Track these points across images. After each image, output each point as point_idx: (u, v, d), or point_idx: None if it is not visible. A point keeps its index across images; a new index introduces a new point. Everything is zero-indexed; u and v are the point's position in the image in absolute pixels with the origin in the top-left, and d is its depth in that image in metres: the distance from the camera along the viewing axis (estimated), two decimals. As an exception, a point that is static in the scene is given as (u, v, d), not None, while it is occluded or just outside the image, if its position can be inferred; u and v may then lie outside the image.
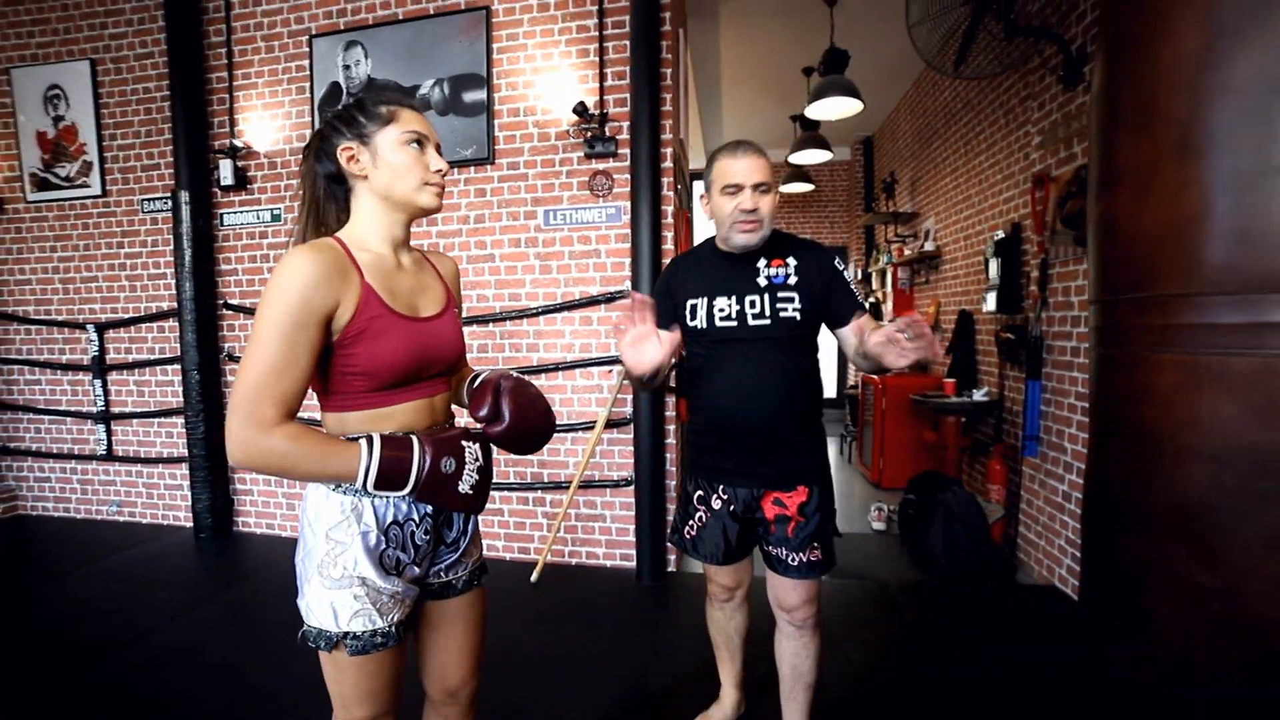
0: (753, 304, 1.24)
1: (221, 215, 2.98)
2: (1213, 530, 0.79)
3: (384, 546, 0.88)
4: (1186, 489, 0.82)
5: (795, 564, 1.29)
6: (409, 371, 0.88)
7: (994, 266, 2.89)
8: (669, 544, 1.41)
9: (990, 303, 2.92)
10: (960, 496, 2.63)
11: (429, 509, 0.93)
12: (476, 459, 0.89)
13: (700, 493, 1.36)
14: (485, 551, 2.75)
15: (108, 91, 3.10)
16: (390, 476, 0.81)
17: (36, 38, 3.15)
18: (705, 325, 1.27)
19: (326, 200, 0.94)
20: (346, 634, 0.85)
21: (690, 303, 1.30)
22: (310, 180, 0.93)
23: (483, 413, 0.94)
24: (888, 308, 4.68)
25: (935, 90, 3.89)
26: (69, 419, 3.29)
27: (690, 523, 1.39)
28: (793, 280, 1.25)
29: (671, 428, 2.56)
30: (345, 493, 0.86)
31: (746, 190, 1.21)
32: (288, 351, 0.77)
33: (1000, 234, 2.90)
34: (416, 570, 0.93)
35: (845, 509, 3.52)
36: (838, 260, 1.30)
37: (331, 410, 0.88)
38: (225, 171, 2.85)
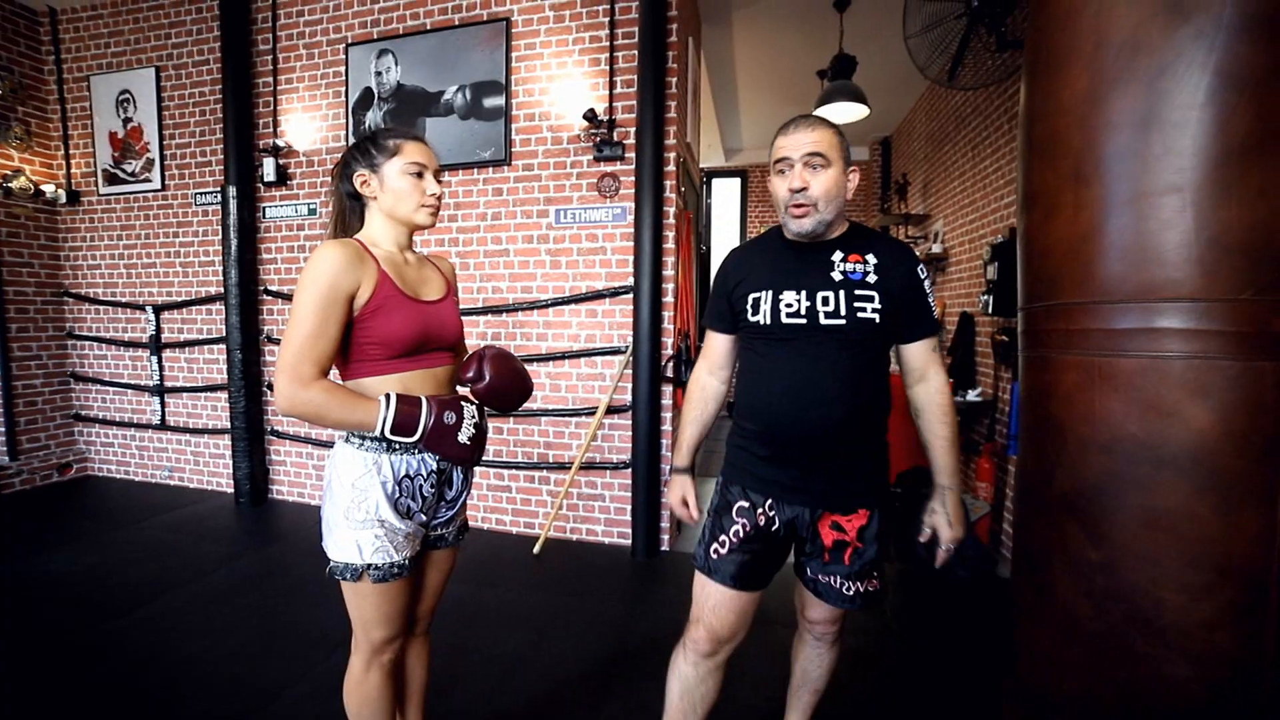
0: (825, 300, 1.09)
1: (264, 208, 3.26)
2: (1100, 512, 0.89)
3: (398, 495, 1.08)
4: (1082, 476, 0.91)
5: (850, 593, 1.16)
6: (415, 342, 1.08)
7: (992, 270, 2.95)
8: (693, 561, 1.23)
9: (988, 305, 2.99)
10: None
11: (434, 467, 1.12)
12: (473, 417, 1.08)
13: (744, 504, 1.16)
14: (494, 525, 2.96)
15: (169, 95, 3.41)
16: (403, 425, 1.00)
17: (112, 48, 3.48)
18: (769, 321, 1.12)
19: (350, 211, 1.16)
20: (369, 565, 1.05)
21: (752, 296, 1.15)
22: (337, 195, 1.16)
23: (469, 374, 1.13)
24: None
25: (947, 95, 3.92)
26: (130, 391, 3.64)
27: (723, 538, 1.16)
28: (872, 279, 1.10)
29: (668, 415, 2.72)
30: (368, 450, 1.06)
31: (796, 166, 1.06)
32: (321, 322, 0.98)
33: (999, 238, 2.96)
34: (423, 518, 1.14)
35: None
36: (922, 268, 1.14)
37: (351, 377, 1.08)
38: (268, 168, 3.12)
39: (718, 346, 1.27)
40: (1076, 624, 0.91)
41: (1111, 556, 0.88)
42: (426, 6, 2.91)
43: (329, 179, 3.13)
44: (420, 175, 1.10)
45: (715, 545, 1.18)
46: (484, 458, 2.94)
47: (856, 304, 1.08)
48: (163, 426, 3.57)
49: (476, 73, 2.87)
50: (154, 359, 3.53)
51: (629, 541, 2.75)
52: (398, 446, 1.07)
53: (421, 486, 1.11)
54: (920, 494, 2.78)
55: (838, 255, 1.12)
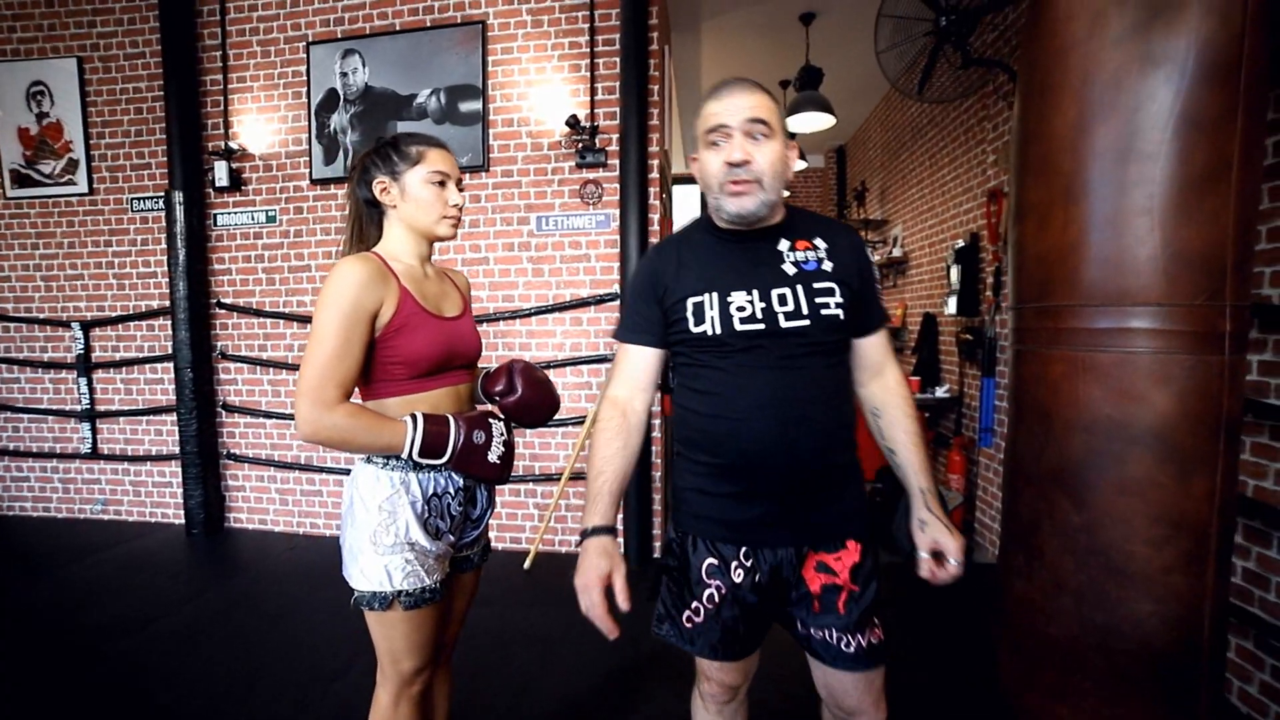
0: (783, 299, 0.91)
1: (215, 216, 3.02)
2: (1083, 483, 1.04)
3: (428, 515, 1.02)
4: (1067, 453, 1.06)
5: (853, 650, 0.93)
6: (440, 361, 1.03)
7: (955, 273, 3.13)
8: (656, 630, 1.05)
9: (951, 306, 3.16)
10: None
11: (461, 484, 1.07)
12: (502, 434, 1.04)
13: (712, 561, 0.96)
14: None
15: (95, 90, 3.11)
16: (432, 447, 0.96)
17: (18, 33, 3.14)
18: (719, 330, 0.91)
19: (367, 220, 1.10)
20: (400, 592, 0.99)
21: (692, 301, 0.93)
22: (354, 202, 1.09)
23: (499, 387, 1.10)
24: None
25: (904, 106, 4.14)
26: (50, 417, 3.27)
27: (695, 605, 0.97)
28: (828, 266, 0.93)
29: (657, 422, 2.72)
30: (394, 470, 1.00)
31: (735, 135, 0.88)
32: (344, 343, 0.93)
33: (960, 243, 3.14)
34: (452, 538, 1.09)
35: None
36: (868, 251, 1.01)
37: (372, 398, 1.02)
38: (220, 173, 2.90)
39: (640, 363, 1.00)
40: (1062, 578, 1.06)
41: (1092, 519, 1.03)
42: (395, 6, 2.80)
43: (289, 185, 2.95)
44: (443, 184, 1.06)
45: (687, 614, 0.98)
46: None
47: (818, 299, 0.91)
48: (94, 455, 3.23)
49: (451, 76, 2.78)
50: (82, 380, 3.19)
51: (621, 551, 2.71)
52: (425, 464, 1.02)
53: (450, 505, 1.06)
54: (898, 488, 2.91)
55: (784, 244, 0.95)
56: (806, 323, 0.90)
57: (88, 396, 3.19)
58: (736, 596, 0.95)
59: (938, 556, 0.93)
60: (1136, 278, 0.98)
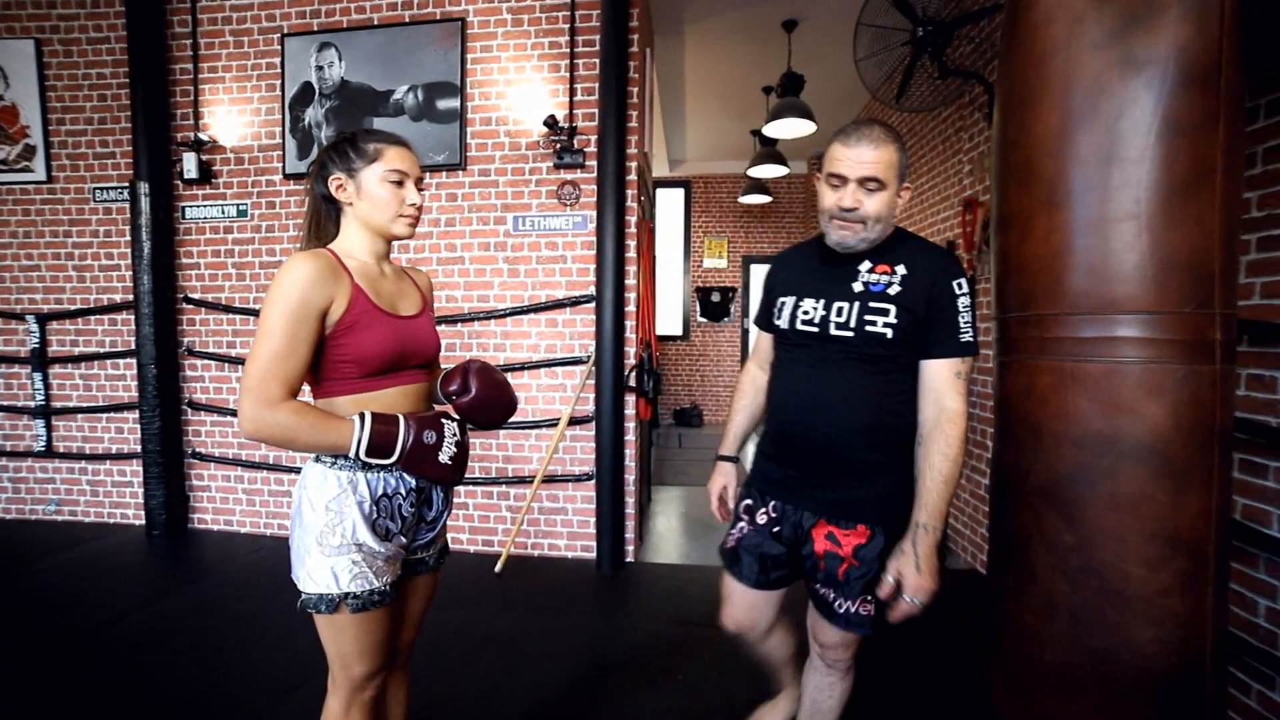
0: (840, 311, 1.08)
1: (184, 208, 2.94)
2: (1074, 499, 1.00)
3: (376, 516, 1.00)
4: (1057, 467, 1.02)
5: (842, 611, 1.11)
6: (392, 360, 1.01)
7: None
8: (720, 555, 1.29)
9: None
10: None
11: (414, 485, 1.05)
12: (454, 434, 1.02)
13: (749, 501, 1.23)
14: (450, 544, 2.83)
15: (55, 74, 3.01)
16: (380, 446, 0.93)
17: (-27, 14, 3.02)
18: (786, 326, 1.15)
19: (325, 215, 1.07)
20: (347, 594, 0.97)
21: (780, 300, 1.18)
22: (312, 198, 1.07)
23: (453, 388, 1.08)
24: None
25: (884, 115, 4.19)
26: (0, 414, 3.14)
27: (733, 532, 1.25)
28: (894, 291, 1.06)
29: (631, 425, 2.71)
30: (342, 469, 0.98)
31: (850, 185, 1.04)
32: (290, 340, 0.90)
33: (935, 252, 3.18)
34: (403, 540, 1.06)
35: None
36: (961, 283, 1.06)
37: (322, 396, 1.00)
38: (189, 164, 2.82)
39: (765, 343, 1.32)
40: (1055, 601, 1.01)
41: (1084, 538, 0.99)
42: (373, 0, 2.75)
43: (261, 179, 2.88)
44: (400, 184, 1.04)
45: (728, 539, 1.27)
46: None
47: (867, 316, 1.05)
48: (48, 454, 3.11)
49: (429, 73, 2.74)
50: (37, 375, 3.08)
51: (594, 555, 2.70)
52: (374, 464, 1.00)
53: (401, 506, 1.04)
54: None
55: (865, 265, 1.10)
56: (851, 334, 1.07)
57: (43, 392, 3.08)
58: (760, 534, 1.19)
59: (899, 587, 1.05)
60: (1124, 285, 0.95)
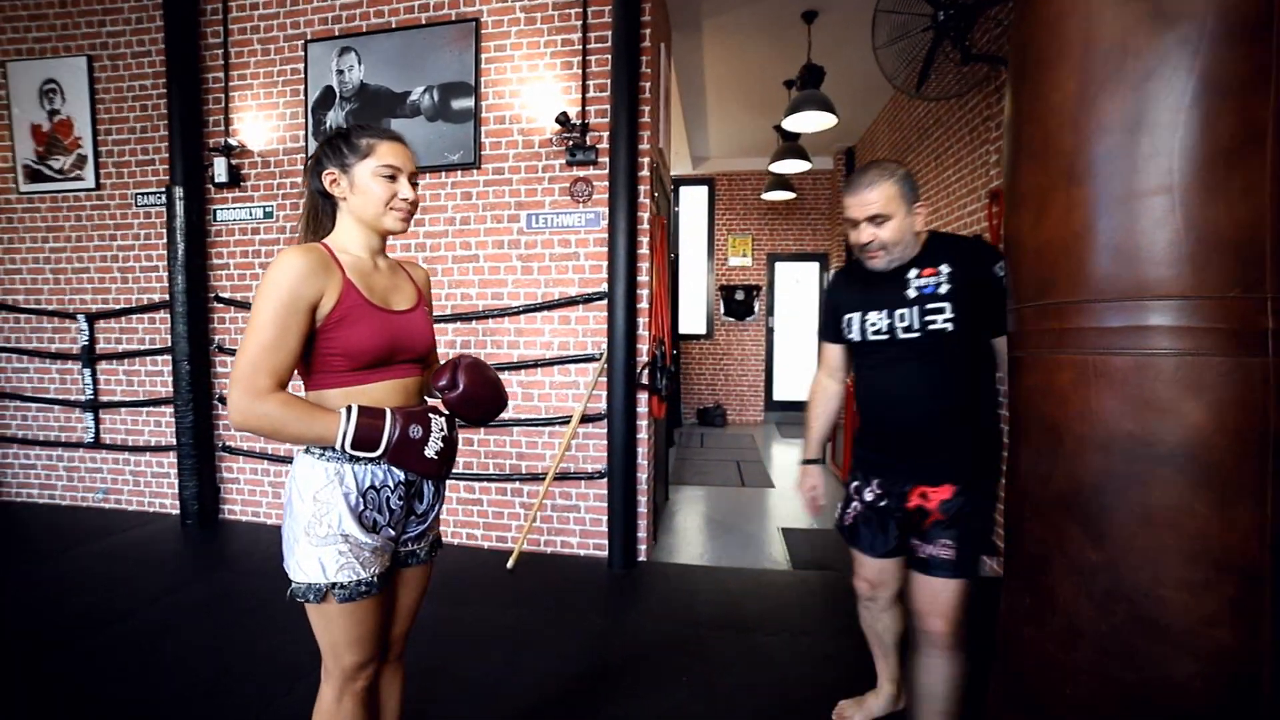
0: (903, 317, 1.27)
1: (215, 211, 3.07)
2: (1100, 511, 0.88)
3: (363, 508, 1.00)
4: (1080, 475, 0.90)
5: (924, 556, 1.29)
6: (382, 354, 1.02)
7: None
8: (838, 531, 1.49)
9: (953, 311, 3.07)
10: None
11: (402, 478, 1.05)
12: (442, 429, 1.01)
13: (856, 483, 1.43)
14: (465, 540, 2.86)
15: (104, 87, 3.18)
16: (364, 439, 0.94)
17: (33, 32, 3.23)
18: (860, 338, 1.35)
19: (322, 210, 1.09)
20: (334, 584, 0.97)
21: (846, 316, 1.38)
22: (309, 193, 1.09)
23: (441, 382, 1.07)
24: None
25: (910, 106, 4.05)
26: (57, 407, 3.35)
27: (848, 512, 1.44)
28: (944, 289, 1.24)
29: (644, 423, 2.68)
30: (329, 460, 0.99)
31: (862, 225, 1.26)
32: (280, 333, 0.92)
33: (963, 245, 3.05)
34: (391, 532, 1.06)
35: (815, 507, 3.65)
36: (1001, 265, 1.21)
37: (313, 389, 1.01)
38: (219, 169, 2.94)
39: (831, 354, 1.50)
40: (1079, 627, 0.89)
41: (1112, 556, 0.87)
42: (391, 4, 2.81)
43: (286, 181, 2.98)
44: (393, 178, 1.04)
45: (844, 517, 1.46)
46: (455, 470, 2.84)
47: (928, 317, 1.24)
48: (96, 445, 3.30)
49: (445, 74, 2.78)
50: (86, 371, 3.26)
51: (605, 553, 2.68)
52: (360, 457, 1.00)
53: (389, 499, 1.04)
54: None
55: (913, 273, 1.28)
56: (918, 335, 1.26)
57: (91, 387, 3.26)
58: (871, 510, 1.39)
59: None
60: (1155, 267, 0.82)
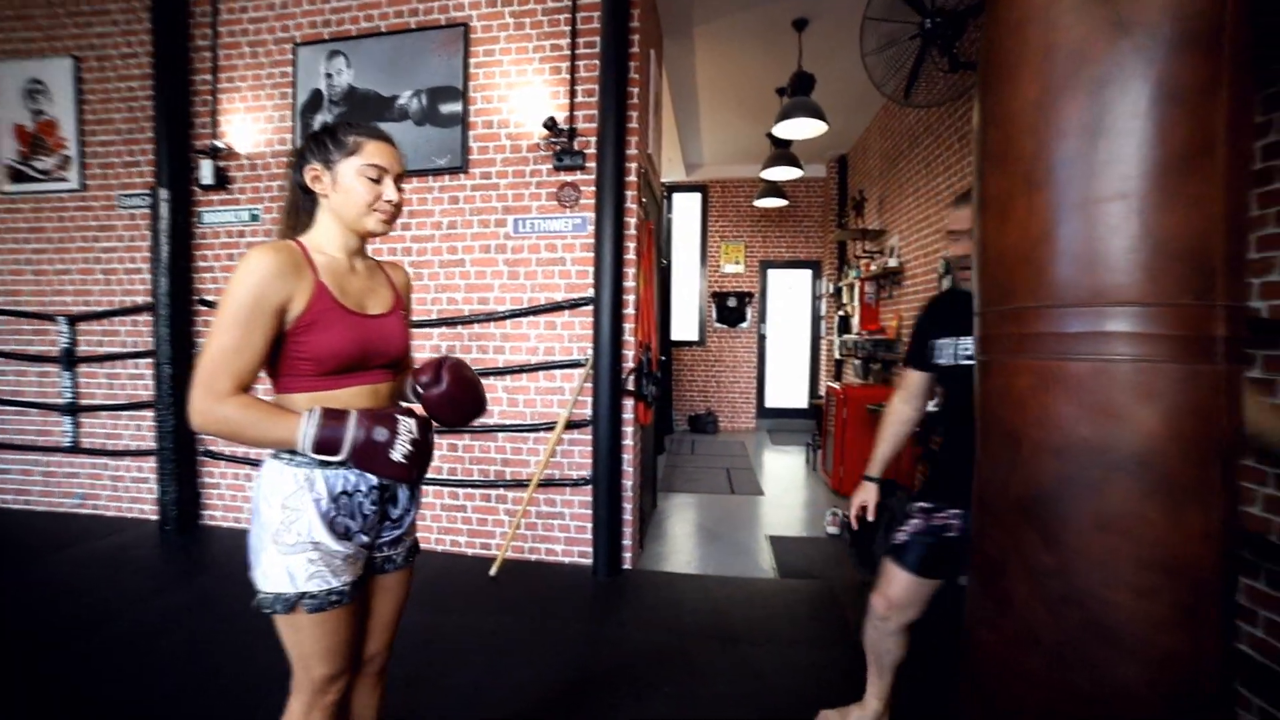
0: None
1: (200, 213, 3.04)
2: (1055, 517, 0.89)
3: (334, 514, 0.97)
4: (1037, 480, 0.91)
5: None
6: (353, 359, 0.99)
7: (946, 284, 3.04)
8: (879, 550, 1.51)
9: (942, 318, 3.06)
10: (903, 501, 2.74)
11: (375, 482, 1.03)
12: (410, 432, 0.96)
13: (927, 505, 1.42)
14: (448, 547, 2.82)
15: (90, 88, 3.16)
16: (326, 441, 0.91)
17: (19, 32, 3.21)
18: (950, 363, 1.38)
19: (303, 205, 1.05)
20: (303, 594, 0.94)
21: (935, 343, 1.41)
22: (290, 186, 1.05)
23: (424, 379, 1.05)
24: (855, 320, 4.84)
25: (902, 114, 4.07)
26: (34, 410, 3.29)
27: (904, 529, 1.44)
28: None
29: (630, 429, 2.66)
30: (299, 465, 0.96)
31: (962, 239, 1.34)
32: (244, 335, 0.89)
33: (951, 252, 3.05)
34: (365, 538, 1.03)
35: (806, 515, 3.63)
36: None
37: (280, 391, 0.98)
38: (206, 171, 2.92)
39: (912, 381, 1.52)
40: (1034, 631, 0.90)
41: (1066, 561, 0.87)
42: (381, 9, 2.80)
43: (273, 184, 2.96)
44: (378, 179, 1.01)
45: (900, 530, 1.45)
46: (438, 476, 2.81)
47: None
48: (75, 449, 3.24)
49: (433, 78, 2.78)
50: (66, 374, 3.21)
51: (590, 560, 2.65)
52: (333, 460, 0.98)
53: (361, 504, 1.01)
54: (882, 504, 2.80)
55: None
56: None
57: (70, 390, 3.21)
58: (933, 534, 1.39)
59: None
60: (1112, 273, 0.84)
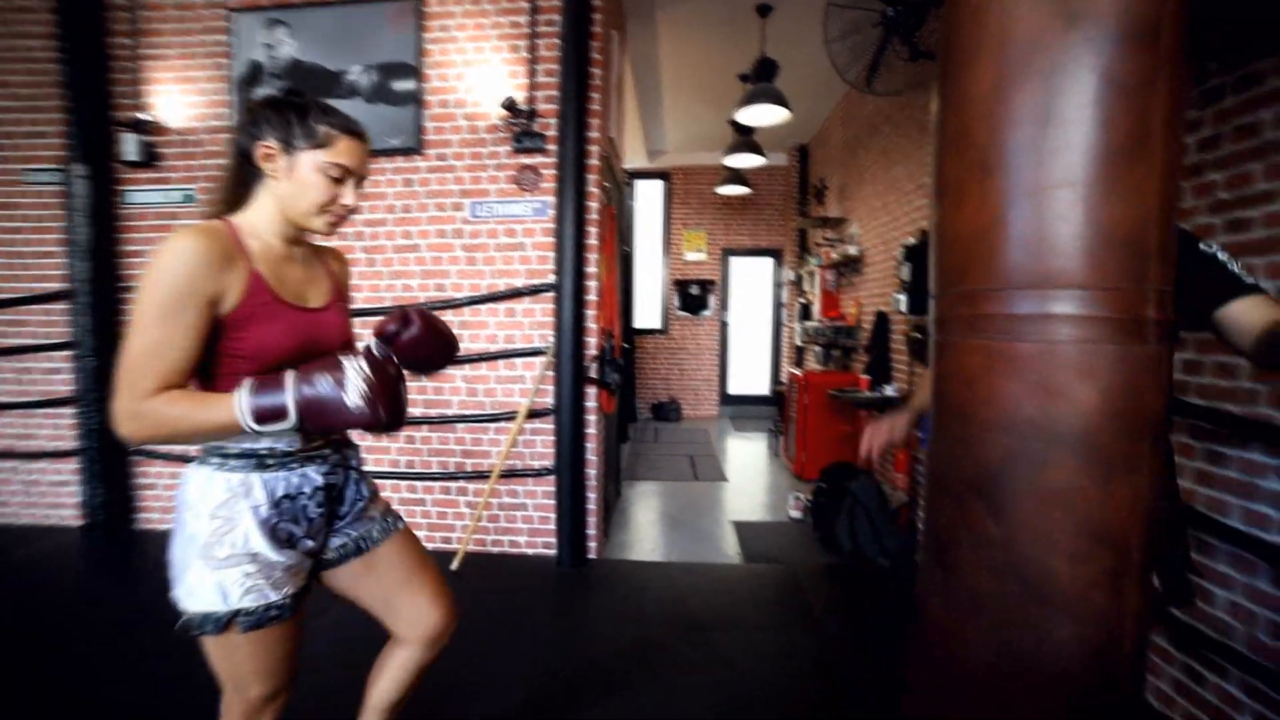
0: None
1: (125, 193, 2.80)
2: (1002, 490, 0.94)
3: (276, 520, 0.90)
4: (985, 457, 0.96)
5: None
6: (293, 356, 0.89)
7: (905, 270, 3.11)
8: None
9: (902, 304, 3.14)
10: (865, 485, 2.80)
11: (320, 482, 0.95)
12: (361, 370, 0.83)
13: None
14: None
15: (-11, 49, 2.85)
16: (267, 409, 0.80)
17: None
18: None
19: (242, 179, 0.93)
20: (238, 612, 0.86)
21: None
22: (234, 155, 0.93)
23: (392, 326, 0.93)
24: (816, 307, 4.92)
25: (862, 103, 4.12)
26: (-60, 409, 2.99)
27: None
28: None
29: (592, 418, 2.62)
30: (232, 470, 0.88)
31: None
32: (168, 332, 0.79)
33: (911, 239, 3.12)
34: (310, 544, 0.95)
35: (769, 500, 3.68)
36: (1206, 243, 1.14)
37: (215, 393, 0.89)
38: (130, 146, 2.68)
39: None
40: (980, 599, 0.96)
41: (1011, 532, 0.93)
42: (322, -27, 2.62)
43: (210, 162, 2.76)
44: (340, 180, 0.91)
45: None
46: (395, 470, 2.70)
47: None
48: (-14, 450, 2.97)
49: (384, 53, 2.63)
50: (-25, 369, 2.92)
51: (555, 551, 2.61)
52: (271, 462, 0.90)
53: (305, 506, 0.93)
54: (843, 488, 2.86)
55: None
56: None
57: (-23, 387, 2.93)
58: None
59: None
60: (1058, 258, 0.88)
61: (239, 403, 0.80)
